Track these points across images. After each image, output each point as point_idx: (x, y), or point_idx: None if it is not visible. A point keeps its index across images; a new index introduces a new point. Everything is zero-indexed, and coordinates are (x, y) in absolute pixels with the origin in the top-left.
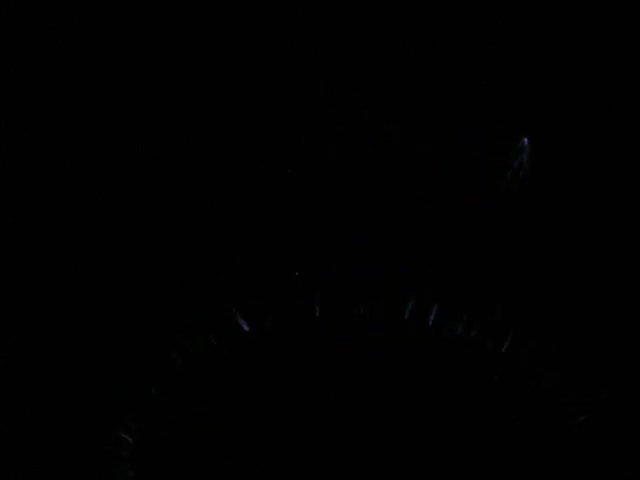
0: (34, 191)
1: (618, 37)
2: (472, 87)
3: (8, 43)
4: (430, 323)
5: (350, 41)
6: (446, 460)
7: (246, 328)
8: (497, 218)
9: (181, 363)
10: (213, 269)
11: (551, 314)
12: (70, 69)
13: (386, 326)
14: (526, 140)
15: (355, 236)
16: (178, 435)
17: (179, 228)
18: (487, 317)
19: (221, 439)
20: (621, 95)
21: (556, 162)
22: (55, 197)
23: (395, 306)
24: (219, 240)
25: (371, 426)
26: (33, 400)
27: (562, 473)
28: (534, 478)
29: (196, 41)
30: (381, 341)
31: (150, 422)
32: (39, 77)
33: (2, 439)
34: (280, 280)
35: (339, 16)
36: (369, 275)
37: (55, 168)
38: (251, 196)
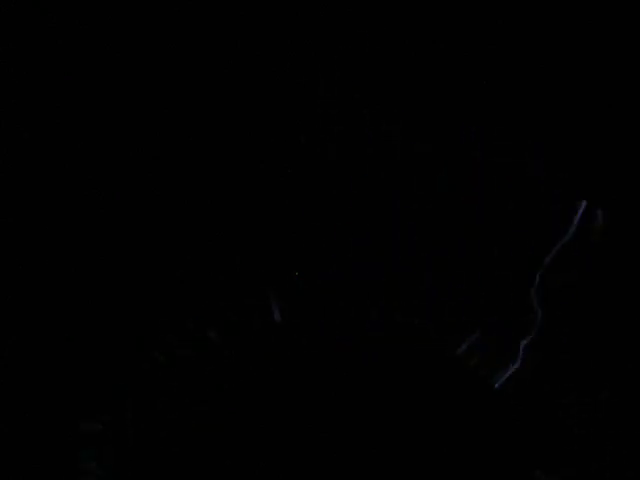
0: (34, 191)
1: (618, 38)
2: (472, 87)
3: (8, 43)
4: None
5: (350, 41)
6: (444, 460)
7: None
8: (496, 218)
9: (179, 363)
10: (213, 269)
11: (551, 315)
12: (70, 69)
13: (386, 326)
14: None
15: (355, 236)
16: (178, 435)
17: (179, 228)
18: (488, 318)
19: (220, 439)
20: (621, 95)
21: (556, 162)
22: (55, 197)
23: (395, 305)
24: (219, 240)
25: (369, 426)
26: (32, 399)
27: (562, 472)
28: (534, 477)
29: (196, 41)
30: (381, 341)
31: (150, 422)
32: (39, 77)
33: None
34: (280, 280)
35: (339, 16)
36: (369, 275)
37: (55, 168)
38: (251, 196)
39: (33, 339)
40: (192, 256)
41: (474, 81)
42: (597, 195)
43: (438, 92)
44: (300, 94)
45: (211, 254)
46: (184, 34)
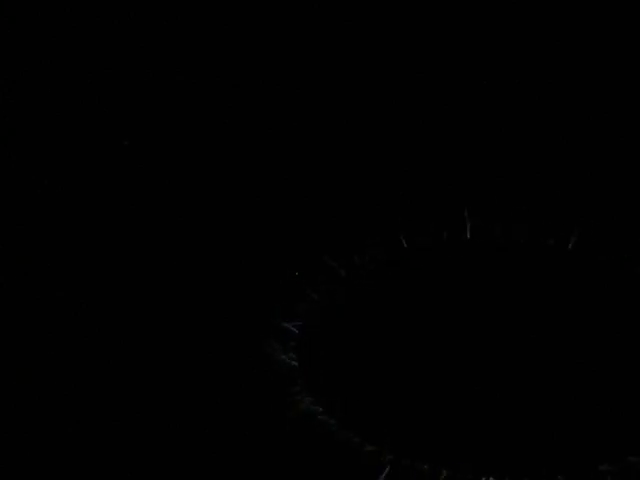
0: (34, 191)
1: (618, 40)
2: (472, 87)
3: (8, 43)
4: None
5: (350, 41)
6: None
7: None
8: (496, 218)
9: None
10: (213, 270)
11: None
12: (70, 69)
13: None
14: None
15: (355, 236)
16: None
17: (179, 229)
18: (490, 319)
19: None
20: (621, 96)
21: (555, 164)
22: (55, 197)
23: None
24: (219, 241)
25: None
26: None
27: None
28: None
29: (196, 41)
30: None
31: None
32: (39, 77)
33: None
34: (281, 280)
35: (339, 16)
36: (368, 274)
37: (55, 168)
38: (251, 196)
39: (33, 340)
40: (192, 257)
41: (474, 81)
42: (596, 199)
43: (438, 92)
44: (300, 94)
45: (211, 255)
46: (184, 34)
